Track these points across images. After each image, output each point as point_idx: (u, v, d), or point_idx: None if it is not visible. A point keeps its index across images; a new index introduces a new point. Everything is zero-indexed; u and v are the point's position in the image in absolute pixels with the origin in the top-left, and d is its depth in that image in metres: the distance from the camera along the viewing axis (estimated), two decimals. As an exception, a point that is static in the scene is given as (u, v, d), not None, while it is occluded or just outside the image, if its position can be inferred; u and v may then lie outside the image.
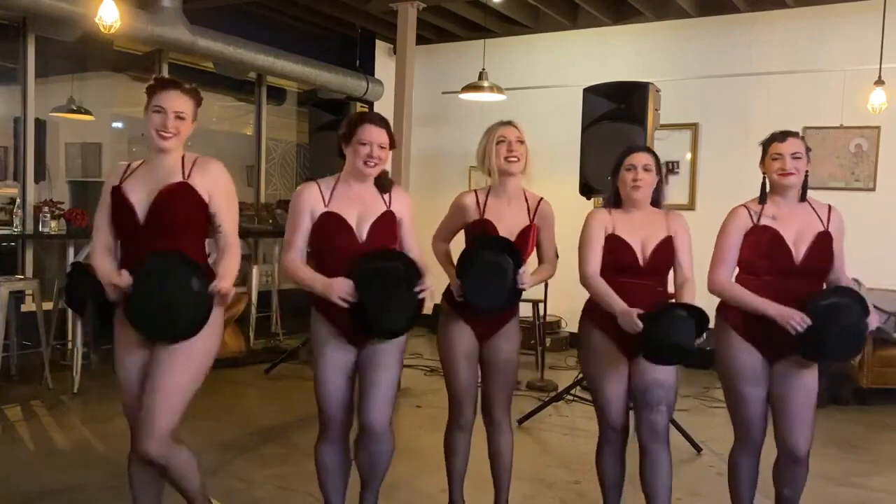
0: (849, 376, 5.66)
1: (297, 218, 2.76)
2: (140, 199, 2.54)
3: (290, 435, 4.57)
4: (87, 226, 5.84)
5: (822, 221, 2.89)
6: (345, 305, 2.61)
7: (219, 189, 2.62)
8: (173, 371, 2.53)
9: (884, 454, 4.64)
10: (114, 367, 2.65)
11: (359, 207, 2.76)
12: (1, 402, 4.98)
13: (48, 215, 5.76)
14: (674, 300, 2.95)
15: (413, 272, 2.71)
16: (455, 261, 3.00)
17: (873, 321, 2.81)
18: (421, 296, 2.70)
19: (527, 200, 3.06)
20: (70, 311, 5.48)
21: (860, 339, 2.82)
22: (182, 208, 2.55)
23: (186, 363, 2.54)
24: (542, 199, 3.10)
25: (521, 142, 2.98)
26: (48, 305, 5.55)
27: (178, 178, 2.56)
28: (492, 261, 2.87)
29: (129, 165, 2.64)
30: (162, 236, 2.53)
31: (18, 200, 5.95)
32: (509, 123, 3.03)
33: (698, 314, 2.80)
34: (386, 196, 2.82)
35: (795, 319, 2.71)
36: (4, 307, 5.12)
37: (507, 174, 3.00)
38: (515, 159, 2.96)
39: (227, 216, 2.63)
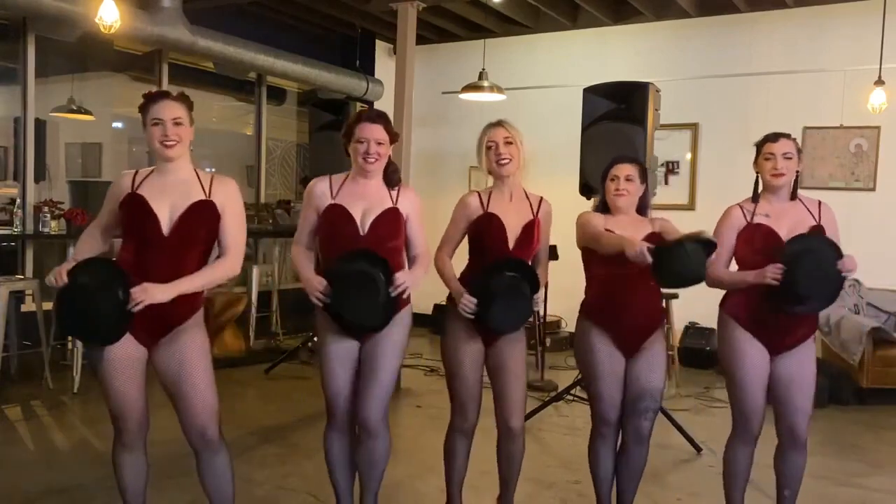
0: (849, 376, 5.66)
1: (304, 211, 2.93)
2: (162, 210, 2.57)
3: (290, 435, 4.57)
4: (86, 226, 5.84)
5: (813, 216, 2.99)
6: (318, 303, 2.76)
7: (231, 208, 2.67)
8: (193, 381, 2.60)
9: (884, 454, 4.64)
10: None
11: (364, 202, 2.83)
12: (1, 402, 4.98)
13: (48, 215, 5.76)
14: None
15: (384, 271, 2.75)
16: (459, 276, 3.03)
17: (850, 264, 2.80)
18: (394, 293, 2.75)
19: (528, 198, 3.08)
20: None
21: (835, 281, 2.84)
22: (206, 225, 2.62)
23: (193, 372, 2.62)
24: (542, 198, 3.12)
25: (510, 142, 2.98)
26: (48, 305, 5.53)
27: (200, 195, 2.62)
28: (511, 285, 2.88)
29: (136, 173, 2.67)
30: (184, 248, 2.59)
31: (18, 200, 5.95)
32: (498, 124, 3.02)
33: (708, 243, 2.81)
34: (393, 192, 2.88)
35: (770, 271, 2.81)
36: (4, 307, 5.12)
37: (501, 177, 3.03)
38: (506, 161, 2.98)
39: (230, 231, 2.67)
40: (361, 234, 2.80)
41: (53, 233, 5.79)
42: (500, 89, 6.72)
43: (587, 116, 4.96)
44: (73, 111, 6.81)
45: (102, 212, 2.72)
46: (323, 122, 6.51)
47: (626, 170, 3.03)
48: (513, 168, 3.00)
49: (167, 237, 2.57)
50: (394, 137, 2.84)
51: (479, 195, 3.05)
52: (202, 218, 2.61)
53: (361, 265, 2.74)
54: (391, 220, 2.85)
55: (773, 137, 2.97)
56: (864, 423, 5.23)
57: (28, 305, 5.74)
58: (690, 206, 6.96)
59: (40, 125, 6.13)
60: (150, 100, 2.61)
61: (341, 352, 2.85)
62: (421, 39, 6.83)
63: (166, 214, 2.57)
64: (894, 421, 5.33)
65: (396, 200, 2.87)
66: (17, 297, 5.58)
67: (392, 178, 2.88)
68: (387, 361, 2.85)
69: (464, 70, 7.10)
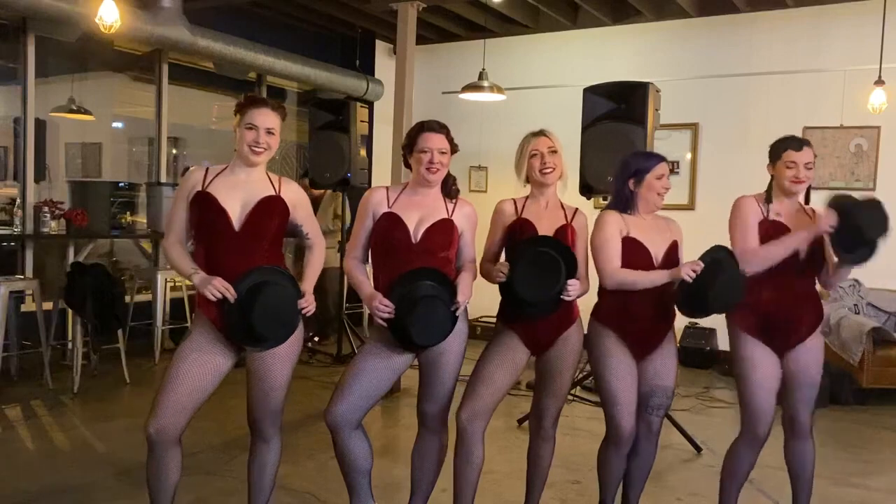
0: (849, 376, 5.66)
1: (360, 219, 2.94)
2: (233, 206, 2.65)
3: (291, 435, 4.56)
4: (86, 226, 5.85)
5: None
6: (382, 322, 2.76)
7: (302, 203, 2.83)
8: (280, 373, 3.07)
9: (884, 454, 4.64)
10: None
11: (420, 211, 2.86)
12: (1, 402, 4.98)
13: (48, 215, 5.76)
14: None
15: (448, 291, 2.77)
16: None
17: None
18: (457, 312, 2.79)
19: (563, 208, 3.06)
20: (70, 311, 5.49)
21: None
22: (275, 219, 2.72)
23: (285, 365, 3.03)
24: (577, 209, 3.09)
25: (554, 151, 2.98)
26: (48, 305, 5.55)
27: (272, 192, 2.72)
28: (546, 255, 2.83)
29: (207, 171, 2.73)
30: (254, 242, 2.67)
31: (18, 200, 5.95)
32: (541, 133, 3.02)
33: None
34: (451, 204, 2.91)
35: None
36: (4, 307, 5.12)
37: (544, 185, 3.01)
38: (550, 170, 2.97)
39: (311, 223, 2.88)
40: (413, 242, 2.81)
41: (53, 233, 5.79)
42: (500, 89, 6.72)
43: (587, 116, 4.96)
44: (73, 111, 6.81)
45: (174, 214, 2.74)
46: (323, 122, 6.52)
47: (667, 168, 3.04)
48: (556, 177, 3.00)
49: (238, 232, 2.64)
50: (454, 148, 2.89)
51: (515, 202, 3.04)
52: (272, 212, 2.70)
53: (426, 287, 2.74)
54: (444, 231, 2.86)
55: (797, 146, 2.96)
56: (864, 423, 5.23)
57: (28, 305, 5.74)
58: (690, 206, 6.96)
59: (40, 125, 6.13)
60: (249, 104, 2.68)
61: (392, 363, 2.86)
62: (421, 39, 6.82)
63: (237, 210, 2.65)
64: (894, 421, 5.33)
65: (452, 212, 2.89)
66: (17, 297, 5.58)
67: (451, 189, 2.92)
68: (449, 368, 2.90)
69: (464, 70, 7.09)
